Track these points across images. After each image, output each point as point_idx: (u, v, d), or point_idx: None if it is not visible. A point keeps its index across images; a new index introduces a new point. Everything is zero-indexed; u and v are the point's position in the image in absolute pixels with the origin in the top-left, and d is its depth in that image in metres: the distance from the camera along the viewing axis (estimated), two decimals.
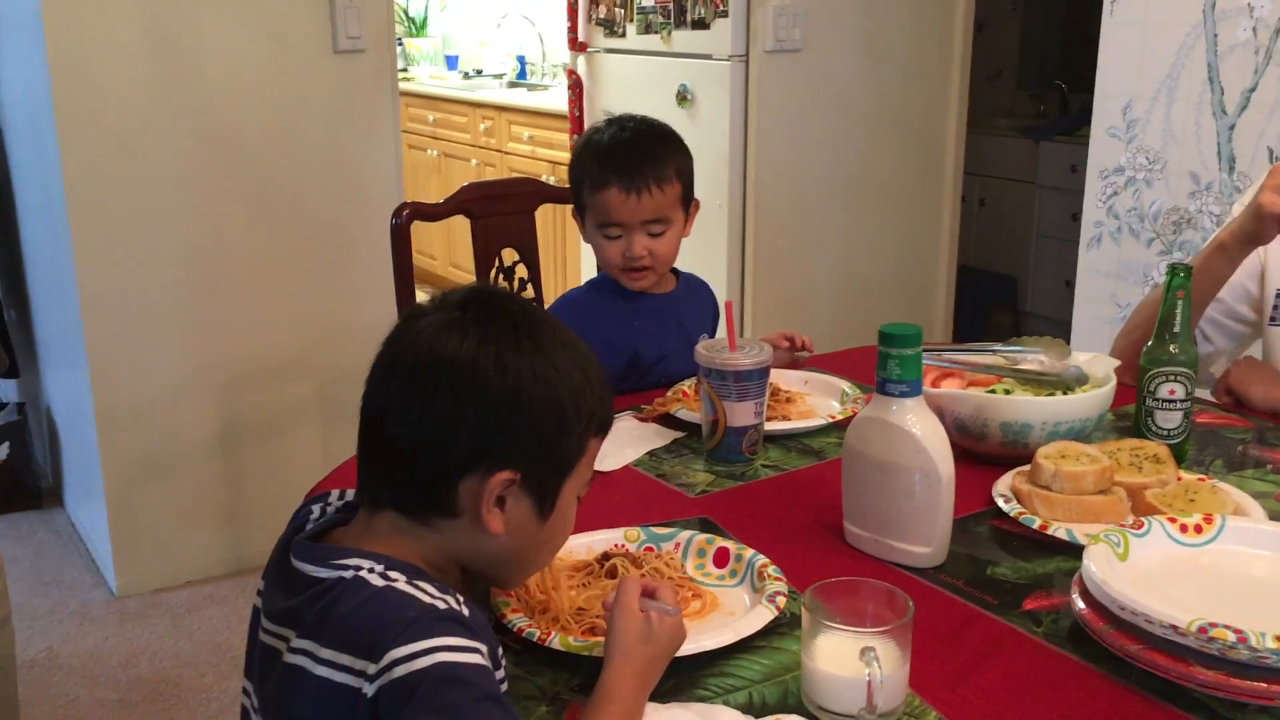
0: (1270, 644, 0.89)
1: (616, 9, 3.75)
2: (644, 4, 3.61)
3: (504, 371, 0.90)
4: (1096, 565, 1.02)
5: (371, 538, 0.94)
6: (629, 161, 1.66)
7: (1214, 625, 0.91)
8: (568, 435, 0.93)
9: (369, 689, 0.81)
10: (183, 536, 2.86)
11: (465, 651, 0.82)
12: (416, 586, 0.86)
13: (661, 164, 1.68)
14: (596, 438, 0.98)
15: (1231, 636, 0.90)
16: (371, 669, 0.81)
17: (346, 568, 0.88)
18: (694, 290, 1.85)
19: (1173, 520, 1.13)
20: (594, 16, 3.87)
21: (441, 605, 0.85)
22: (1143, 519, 1.13)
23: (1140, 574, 1.05)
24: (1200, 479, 1.29)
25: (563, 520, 0.97)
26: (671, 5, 3.51)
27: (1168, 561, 1.09)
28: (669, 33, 3.54)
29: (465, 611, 0.87)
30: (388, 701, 0.80)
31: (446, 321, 0.92)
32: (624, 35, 3.73)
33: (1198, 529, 1.12)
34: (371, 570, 0.87)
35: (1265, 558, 1.10)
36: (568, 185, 1.79)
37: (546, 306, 1.90)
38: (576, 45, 3.94)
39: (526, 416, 0.90)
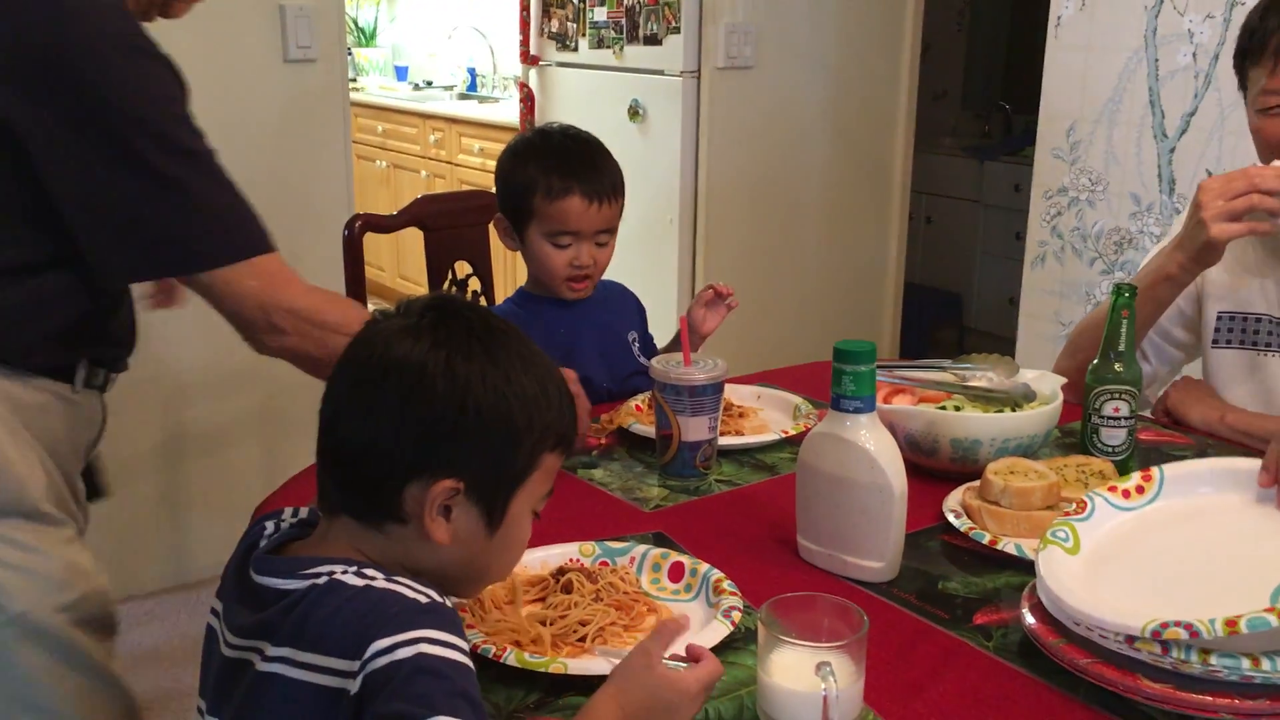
0: (1220, 630, 0.90)
1: (569, 23, 3.76)
2: (596, 19, 3.63)
3: (452, 378, 0.89)
4: (1050, 572, 1.03)
5: (330, 546, 0.93)
6: (589, 171, 1.67)
7: (1165, 626, 0.92)
8: (517, 447, 0.93)
9: (354, 686, 0.81)
10: (122, 551, 2.81)
11: (446, 647, 0.82)
12: (396, 582, 0.86)
13: (614, 175, 1.70)
14: (553, 453, 0.96)
15: (1184, 634, 0.91)
16: (356, 666, 0.81)
17: (319, 575, 0.87)
18: (613, 292, 1.85)
19: (1113, 489, 1.15)
20: (546, 30, 3.87)
21: (424, 599, 0.85)
22: (1083, 498, 1.15)
23: (1096, 559, 1.06)
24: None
25: (515, 533, 0.96)
26: (624, 21, 3.52)
27: (1119, 534, 1.11)
28: (621, 48, 3.55)
29: (448, 604, 0.87)
30: (368, 693, 0.80)
31: (403, 327, 0.92)
32: (576, 49, 3.74)
33: (1139, 490, 1.15)
34: (345, 571, 0.87)
35: (1207, 499, 1.13)
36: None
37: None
38: (528, 58, 3.94)
39: (473, 425, 0.90)
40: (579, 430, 1.51)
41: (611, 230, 1.72)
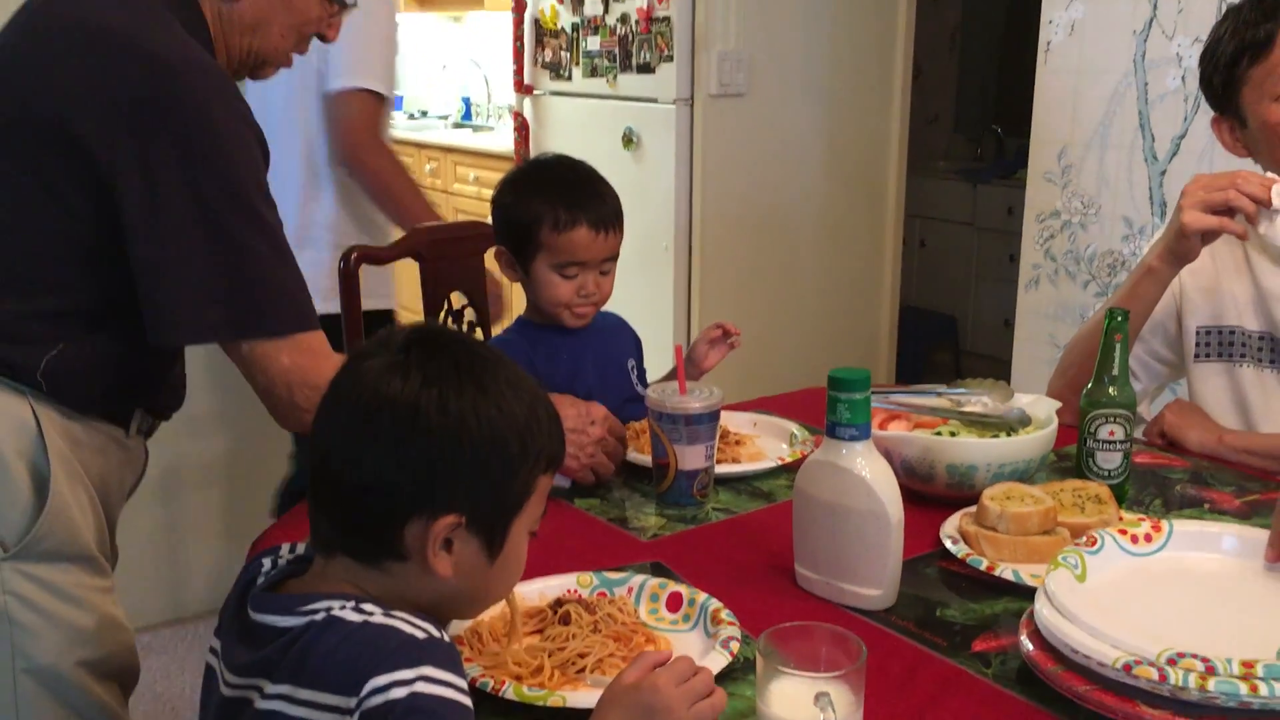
0: (1237, 669, 0.91)
1: (562, 53, 3.78)
2: (590, 48, 3.65)
3: (445, 414, 0.89)
4: (1058, 591, 1.03)
5: (328, 583, 0.93)
6: (595, 201, 1.69)
7: (1182, 656, 0.93)
8: (514, 475, 0.93)
9: None
10: (118, 584, 2.79)
11: (442, 685, 0.82)
12: (393, 617, 0.86)
13: (616, 203, 1.73)
14: (546, 474, 0.97)
15: (1200, 666, 0.92)
16: (353, 703, 0.81)
17: (317, 611, 0.87)
18: (611, 322, 1.87)
19: (1123, 532, 1.16)
20: (540, 60, 3.90)
21: (421, 635, 0.85)
22: (1094, 534, 1.15)
23: (1101, 594, 1.06)
24: (1141, 519, 1.32)
25: (514, 557, 0.97)
26: (617, 49, 3.54)
27: (1124, 575, 1.11)
28: (614, 76, 3.57)
29: (445, 638, 0.87)
30: None
31: (390, 363, 0.91)
32: (570, 79, 3.76)
33: (1147, 538, 1.16)
34: (344, 607, 0.87)
35: (1215, 560, 1.14)
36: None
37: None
38: (523, 88, 3.97)
39: (470, 459, 0.90)
40: (614, 461, 1.52)
41: (614, 258, 1.73)
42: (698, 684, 0.89)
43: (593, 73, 3.64)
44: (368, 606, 0.87)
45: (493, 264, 1.86)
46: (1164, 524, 1.17)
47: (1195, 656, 0.92)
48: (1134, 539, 1.15)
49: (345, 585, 0.92)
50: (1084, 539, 1.16)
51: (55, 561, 1.26)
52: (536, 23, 3.87)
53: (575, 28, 3.69)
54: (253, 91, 1.84)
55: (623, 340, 1.86)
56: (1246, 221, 1.49)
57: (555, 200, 1.67)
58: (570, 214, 1.66)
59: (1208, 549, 1.15)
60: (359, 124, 2.18)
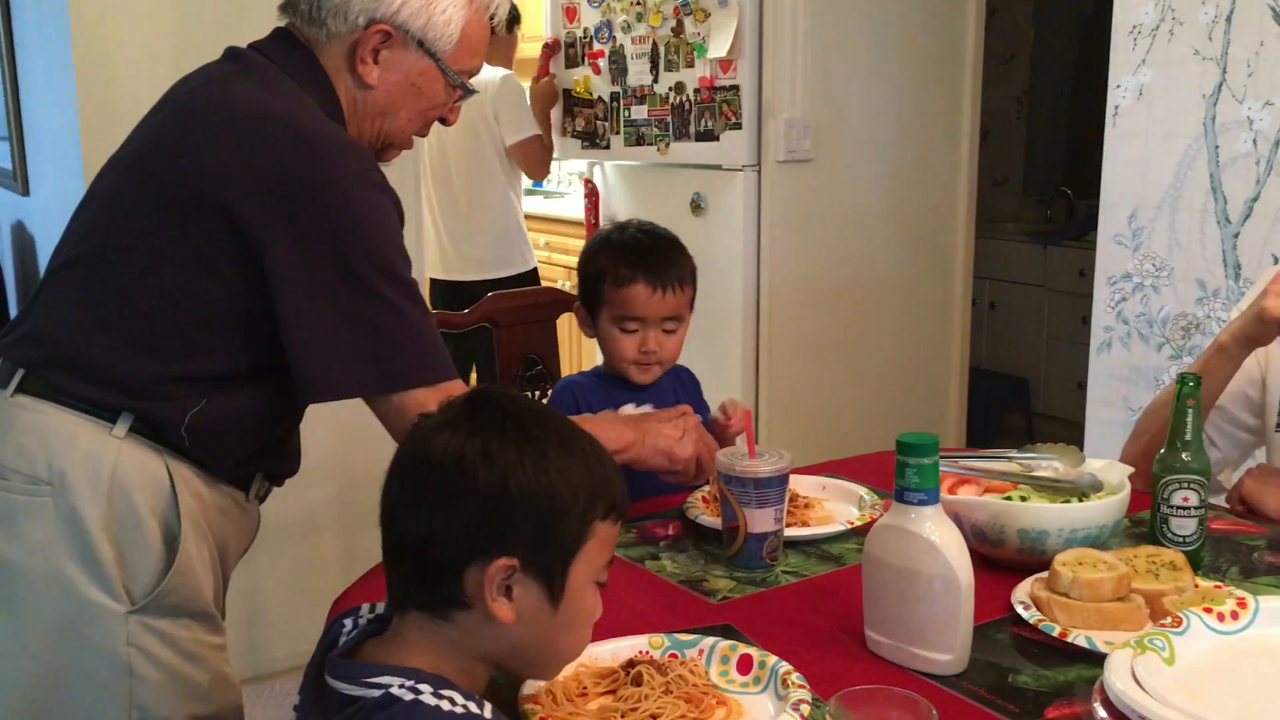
0: None
1: (599, 121, 3.86)
2: (634, 117, 3.71)
3: (491, 463, 0.94)
4: (1149, 676, 1.02)
5: (403, 645, 0.96)
6: (655, 261, 1.76)
7: None
8: (564, 518, 0.96)
9: None
10: None
11: None
12: (441, 697, 0.89)
13: (681, 266, 1.79)
14: (605, 521, 0.99)
15: None
16: None
17: (377, 686, 0.90)
18: (679, 375, 1.91)
19: (1209, 610, 1.15)
20: (570, 129, 3.99)
21: (460, 711, 0.88)
22: (1179, 614, 1.14)
23: (1193, 677, 1.05)
24: (1217, 586, 1.31)
25: (579, 605, 0.99)
26: (670, 118, 3.59)
27: (1215, 658, 1.10)
28: (666, 144, 3.62)
29: (488, 715, 0.89)
30: None
31: (442, 422, 0.97)
32: (608, 147, 3.84)
33: (1234, 615, 1.15)
34: (400, 686, 0.90)
35: None
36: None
37: (554, 386, 1.96)
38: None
39: (518, 503, 0.94)
40: (705, 471, 1.58)
41: (679, 318, 1.79)
42: None
43: (638, 140, 3.71)
44: (422, 686, 0.90)
45: None
46: (1249, 600, 1.16)
47: None
48: (1220, 616, 1.14)
49: (414, 649, 0.96)
50: (1169, 619, 1.14)
51: (178, 617, 1.32)
52: (568, 93, 3.95)
53: (615, 97, 3.76)
54: None
55: (687, 395, 1.90)
56: None
57: (618, 258, 1.76)
58: (629, 271, 1.75)
59: None
60: (538, 156, 3.85)
